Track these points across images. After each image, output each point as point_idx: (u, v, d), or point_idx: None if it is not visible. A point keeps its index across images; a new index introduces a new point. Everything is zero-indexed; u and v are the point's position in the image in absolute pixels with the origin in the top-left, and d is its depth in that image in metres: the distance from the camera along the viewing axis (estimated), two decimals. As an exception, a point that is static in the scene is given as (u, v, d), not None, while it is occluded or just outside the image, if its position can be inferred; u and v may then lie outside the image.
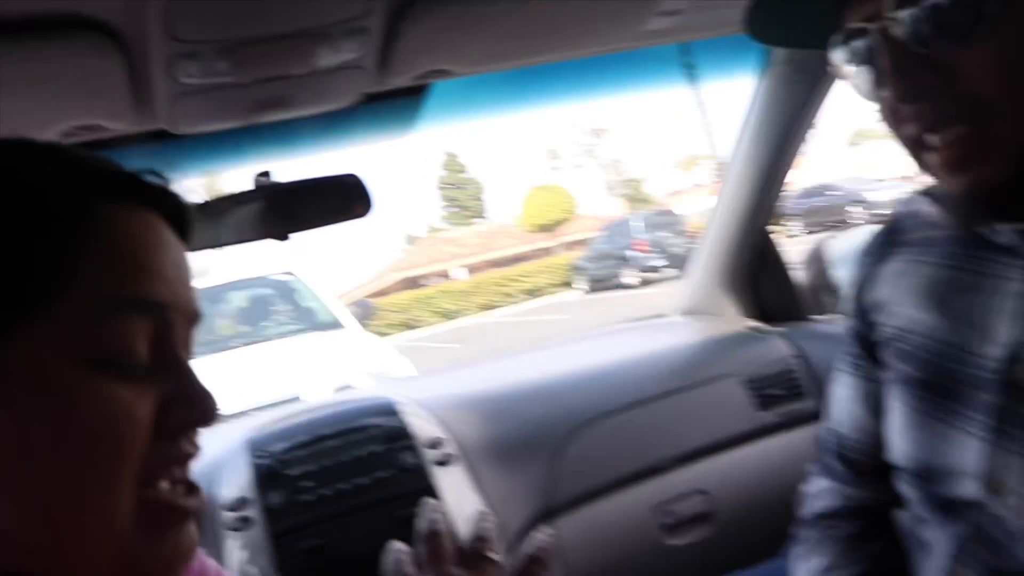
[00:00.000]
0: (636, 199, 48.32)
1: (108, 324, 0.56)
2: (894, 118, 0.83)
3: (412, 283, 43.23)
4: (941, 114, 0.78)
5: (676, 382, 1.89)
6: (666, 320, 2.37)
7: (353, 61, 1.20)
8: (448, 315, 29.07)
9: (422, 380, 2.14)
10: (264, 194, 1.46)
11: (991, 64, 0.75)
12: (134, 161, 1.43)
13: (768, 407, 1.88)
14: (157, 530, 0.58)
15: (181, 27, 1.00)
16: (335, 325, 6.37)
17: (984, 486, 0.84)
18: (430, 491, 1.55)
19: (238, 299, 7.72)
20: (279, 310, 7.35)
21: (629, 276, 22.06)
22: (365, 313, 6.93)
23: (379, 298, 32.13)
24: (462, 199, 68.94)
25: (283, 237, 1.51)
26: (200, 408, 0.60)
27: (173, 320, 0.60)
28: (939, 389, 0.90)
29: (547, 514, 1.67)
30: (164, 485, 0.59)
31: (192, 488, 0.61)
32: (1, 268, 0.54)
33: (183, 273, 0.63)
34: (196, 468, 0.63)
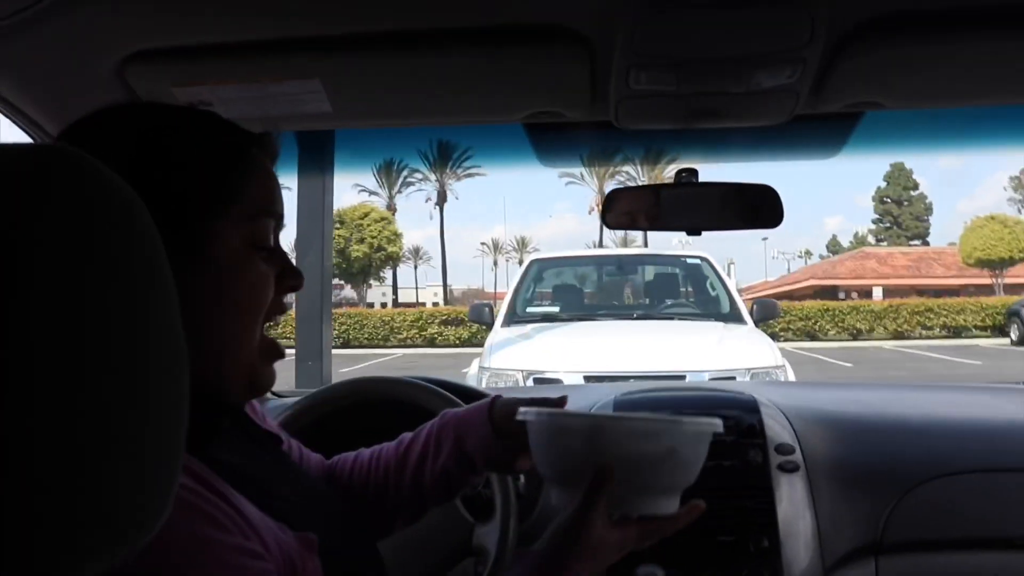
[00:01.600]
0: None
1: (261, 222, 0.89)
2: None
3: (826, 292, 41.66)
4: None
5: (1063, 460, 1.77)
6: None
7: (787, 85, 1.32)
8: (855, 334, 27.78)
9: (792, 387, 2.20)
10: (684, 189, 1.62)
11: None
12: (574, 140, 1.67)
13: None
14: (269, 359, 0.91)
15: (642, 43, 1.19)
16: (734, 319, 6.44)
17: None
18: (767, 491, 1.64)
19: (649, 272, 8.09)
20: (684, 292, 7.59)
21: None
22: (767, 313, 6.87)
23: (787, 301, 31.46)
24: (902, 216, 64.86)
25: (695, 232, 1.67)
26: (297, 279, 0.93)
27: (280, 224, 0.93)
28: None
29: (873, 549, 1.68)
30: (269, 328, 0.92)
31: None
32: (219, 179, 0.86)
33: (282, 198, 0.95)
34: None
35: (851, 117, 1.55)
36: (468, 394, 1.73)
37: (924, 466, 1.74)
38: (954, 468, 1.73)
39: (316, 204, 2.90)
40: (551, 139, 1.65)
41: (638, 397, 1.86)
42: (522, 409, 1.01)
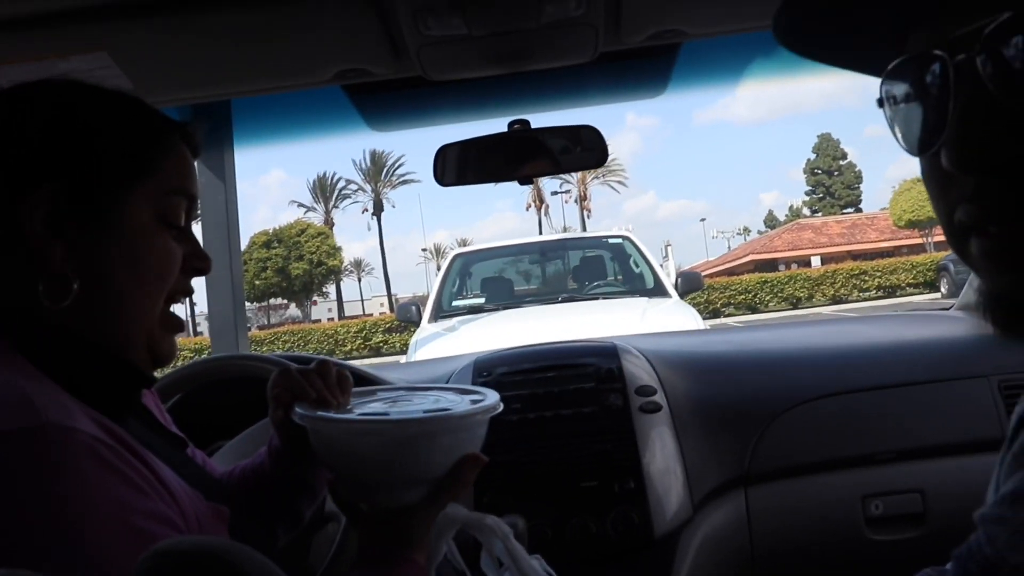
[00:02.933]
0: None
1: (173, 200, 0.94)
2: (941, 184, 0.64)
3: (766, 266, 42.34)
4: (1007, 194, 0.58)
5: (920, 374, 1.80)
6: (939, 313, 2.24)
7: (582, 18, 1.32)
8: (795, 302, 28.26)
9: (662, 336, 2.22)
10: (513, 138, 1.62)
11: None
12: (401, 103, 1.66)
13: (1023, 419, 1.74)
14: (168, 331, 0.97)
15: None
16: (658, 293, 6.49)
17: None
18: (629, 433, 1.64)
19: (573, 256, 8.12)
20: (609, 271, 7.63)
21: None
22: (691, 285, 6.93)
23: (729, 278, 31.89)
24: (834, 186, 66.02)
25: (527, 180, 1.66)
26: (204, 261, 0.99)
27: (193, 207, 0.98)
28: None
29: (742, 481, 1.69)
30: (174, 305, 0.97)
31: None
32: (134, 152, 0.92)
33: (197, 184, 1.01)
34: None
35: (668, 51, 1.56)
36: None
37: (786, 395, 1.76)
38: (814, 394, 1.76)
39: (219, 205, 2.81)
40: (374, 101, 1.64)
41: (501, 355, 1.85)
42: (296, 410, 1.01)
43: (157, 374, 1.04)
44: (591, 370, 1.74)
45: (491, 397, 1.00)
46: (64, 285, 0.85)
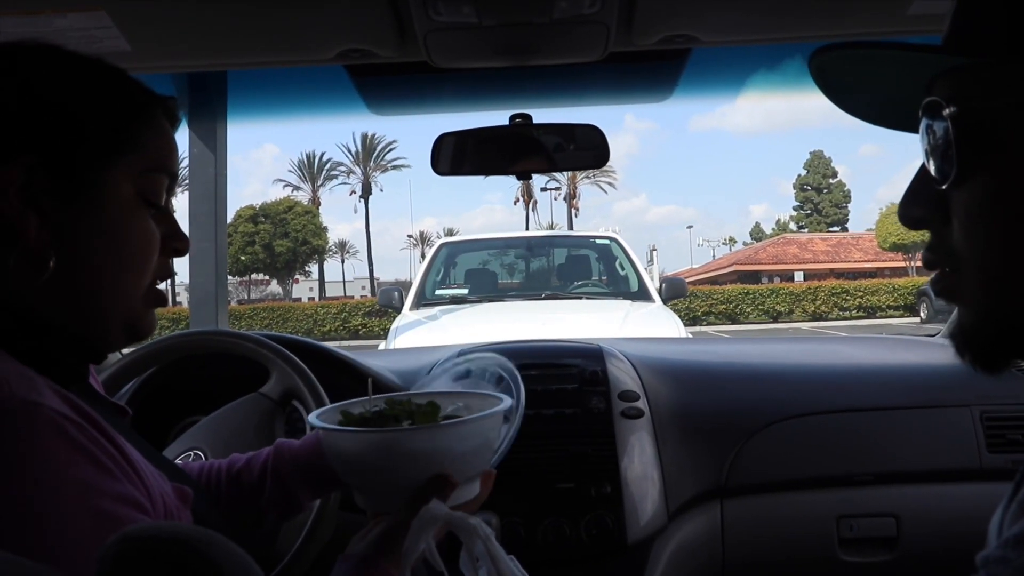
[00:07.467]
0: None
1: (155, 177, 0.91)
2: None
3: (749, 278, 42.51)
4: (931, 247, 0.70)
5: (902, 399, 1.80)
6: (925, 339, 2.24)
7: (594, 16, 1.30)
8: (775, 316, 28.38)
9: (647, 341, 2.21)
10: (514, 133, 1.60)
11: (963, 211, 0.65)
12: (403, 88, 1.64)
13: (1001, 450, 1.74)
14: (150, 307, 0.93)
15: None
16: (642, 297, 6.48)
17: None
18: (609, 438, 1.63)
19: (559, 254, 8.11)
20: (594, 271, 7.62)
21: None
22: (675, 292, 6.92)
23: (711, 286, 31.99)
24: (822, 203, 66.34)
25: (526, 176, 1.65)
26: (183, 242, 0.96)
27: (174, 186, 0.95)
28: None
29: (718, 493, 1.69)
30: (158, 284, 0.94)
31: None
32: (116, 127, 0.88)
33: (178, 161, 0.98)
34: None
35: (678, 56, 1.55)
36: (307, 349, 1.69)
37: (768, 410, 1.75)
38: (796, 411, 1.75)
39: (208, 177, 2.77)
40: (376, 84, 1.62)
41: (484, 347, 1.83)
42: (310, 418, 1.00)
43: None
44: (575, 371, 1.73)
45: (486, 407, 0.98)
46: (39, 262, 0.81)
